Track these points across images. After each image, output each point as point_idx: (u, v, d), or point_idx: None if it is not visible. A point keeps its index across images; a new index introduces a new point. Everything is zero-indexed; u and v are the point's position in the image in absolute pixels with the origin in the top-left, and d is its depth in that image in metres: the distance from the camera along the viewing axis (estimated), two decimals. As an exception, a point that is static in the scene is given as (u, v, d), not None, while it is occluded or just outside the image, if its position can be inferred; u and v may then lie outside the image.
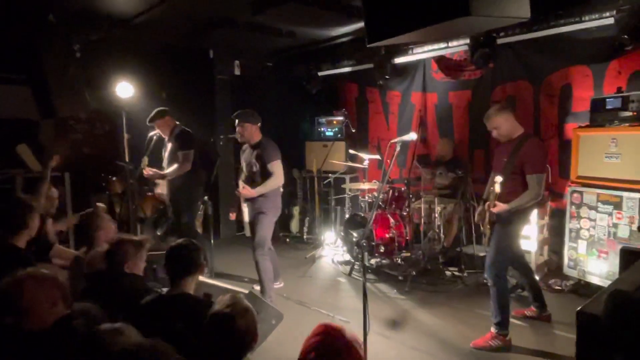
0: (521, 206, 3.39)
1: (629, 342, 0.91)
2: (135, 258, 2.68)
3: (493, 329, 3.50)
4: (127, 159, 6.27)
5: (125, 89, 5.65)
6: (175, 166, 4.82)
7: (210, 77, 6.95)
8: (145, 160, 5.07)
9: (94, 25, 5.10)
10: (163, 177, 4.96)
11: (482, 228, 3.75)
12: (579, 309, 1.10)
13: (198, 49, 6.61)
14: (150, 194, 7.08)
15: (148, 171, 4.94)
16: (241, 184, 4.20)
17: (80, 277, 2.79)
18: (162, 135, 5.06)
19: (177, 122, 5.12)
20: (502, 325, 3.48)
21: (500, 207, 3.42)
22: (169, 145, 5.02)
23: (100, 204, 4.12)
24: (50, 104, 5.24)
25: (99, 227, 3.10)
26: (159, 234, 7.03)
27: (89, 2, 4.58)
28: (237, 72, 6.99)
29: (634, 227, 3.97)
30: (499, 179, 3.32)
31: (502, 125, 3.54)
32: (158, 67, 6.55)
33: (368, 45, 2.18)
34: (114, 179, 7.11)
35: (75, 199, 6.25)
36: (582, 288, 4.52)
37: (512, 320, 3.89)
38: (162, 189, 5.25)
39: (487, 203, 3.53)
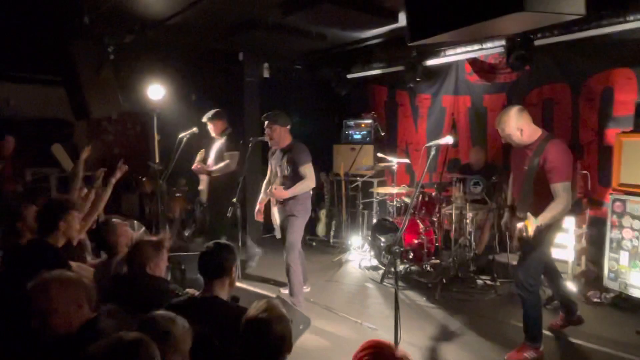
0: (554, 219, 3.11)
1: None
2: (157, 259, 2.65)
3: (527, 342, 3.35)
4: (157, 160, 6.37)
5: (156, 91, 5.72)
6: (222, 164, 5.07)
7: (240, 79, 6.96)
8: (201, 154, 5.36)
9: (127, 27, 5.17)
10: (209, 173, 5.21)
11: (511, 235, 3.61)
12: None
13: (228, 51, 6.64)
14: (178, 194, 7.18)
15: (197, 165, 5.25)
16: (274, 185, 4.18)
17: (106, 280, 2.79)
18: (213, 135, 5.31)
19: (228, 125, 5.39)
20: (536, 339, 3.32)
21: (534, 228, 3.00)
22: (217, 145, 5.23)
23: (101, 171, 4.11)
24: (84, 105, 5.35)
25: (117, 234, 3.08)
26: (186, 234, 7.11)
27: (122, 5, 4.63)
28: (265, 74, 6.99)
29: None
30: (532, 219, 2.97)
31: (524, 130, 3.20)
32: (188, 70, 6.62)
33: (409, 44, 2.11)
34: (144, 179, 7.22)
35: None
36: (623, 301, 4.29)
37: (545, 332, 3.74)
38: (203, 185, 5.46)
39: (519, 229, 3.07)
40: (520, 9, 1.47)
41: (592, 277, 4.77)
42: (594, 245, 4.78)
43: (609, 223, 4.38)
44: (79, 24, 4.76)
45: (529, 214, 3.01)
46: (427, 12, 1.85)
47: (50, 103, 6.55)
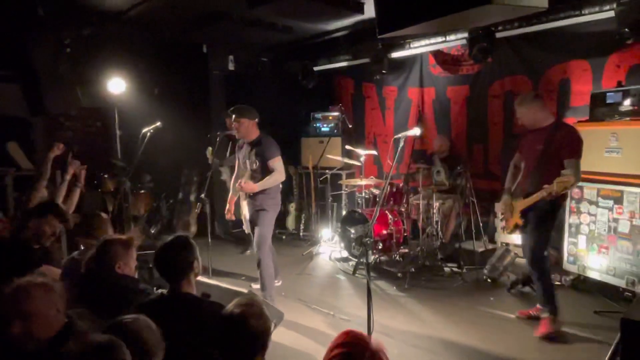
0: (566, 190, 3.30)
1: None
2: (126, 258, 2.59)
3: (550, 315, 3.54)
4: (119, 156, 6.18)
5: (117, 85, 5.54)
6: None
7: (204, 72, 6.84)
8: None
9: (84, 19, 4.97)
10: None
11: (501, 218, 3.79)
12: (622, 317, 1.05)
13: (191, 43, 6.50)
14: (143, 191, 7.00)
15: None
16: (242, 179, 4.13)
17: (75, 280, 2.70)
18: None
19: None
20: (554, 310, 3.55)
21: (550, 192, 3.22)
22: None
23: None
24: (40, 101, 5.13)
25: (101, 228, 3.00)
26: (152, 231, 6.96)
27: (80, -4, 4.47)
28: (231, 67, 6.89)
29: None
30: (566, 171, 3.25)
31: (537, 112, 3.54)
32: (150, 63, 6.44)
33: (379, 36, 2.12)
34: (106, 176, 6.99)
35: (67, 198, 6.10)
36: (582, 283, 4.51)
37: (509, 315, 3.91)
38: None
39: (547, 187, 3.25)
40: (488, 1, 1.52)
41: (552, 261, 4.96)
42: (554, 230, 4.96)
43: (567, 209, 4.57)
44: (34, 16, 4.54)
45: (565, 171, 3.25)
46: (396, 4, 1.87)
47: (4, 99, 6.22)
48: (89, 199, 7.27)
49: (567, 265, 4.62)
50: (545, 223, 3.54)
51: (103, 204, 7.28)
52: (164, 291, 2.30)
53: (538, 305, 3.83)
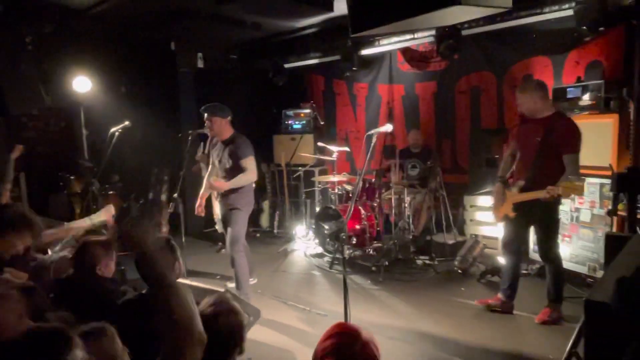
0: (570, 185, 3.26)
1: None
2: (106, 259, 2.56)
3: (556, 304, 3.64)
4: (86, 156, 6.02)
5: (82, 84, 5.41)
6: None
7: (173, 70, 6.73)
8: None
9: (47, 16, 4.80)
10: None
11: (496, 206, 3.75)
12: (586, 298, 1.11)
13: (159, 41, 6.38)
14: (112, 192, 6.84)
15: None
16: (214, 177, 4.10)
17: (45, 285, 2.63)
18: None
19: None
20: (562, 300, 3.66)
21: (553, 195, 3.18)
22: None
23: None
24: (1, 101, 4.93)
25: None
26: (123, 233, 6.81)
27: (41, -9, 4.32)
28: (200, 65, 6.81)
29: (604, 212, 4.11)
30: (579, 179, 3.15)
31: (537, 102, 3.47)
32: (117, 61, 6.29)
33: (352, 35, 2.16)
34: (72, 177, 6.80)
35: (32, 200, 5.92)
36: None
37: (476, 304, 4.02)
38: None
39: (546, 191, 3.21)
40: (457, 2, 1.58)
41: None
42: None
43: (532, 200, 4.74)
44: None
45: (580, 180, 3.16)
46: (368, 4, 1.92)
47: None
48: (54, 201, 7.08)
49: (533, 255, 4.79)
50: (554, 218, 3.58)
51: (69, 207, 7.08)
52: (144, 291, 2.28)
53: (498, 295, 3.92)
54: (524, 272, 4.78)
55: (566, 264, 4.44)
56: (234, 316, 1.83)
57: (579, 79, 4.47)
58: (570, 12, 4.29)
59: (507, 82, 5.40)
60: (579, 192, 3.12)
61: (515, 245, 3.80)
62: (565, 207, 4.44)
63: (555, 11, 4.43)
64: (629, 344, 0.94)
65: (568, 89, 4.42)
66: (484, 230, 5.39)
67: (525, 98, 3.53)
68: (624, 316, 0.94)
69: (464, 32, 5.05)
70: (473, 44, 5.54)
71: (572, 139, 3.36)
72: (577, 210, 4.36)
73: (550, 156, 3.38)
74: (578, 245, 4.36)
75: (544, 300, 4.07)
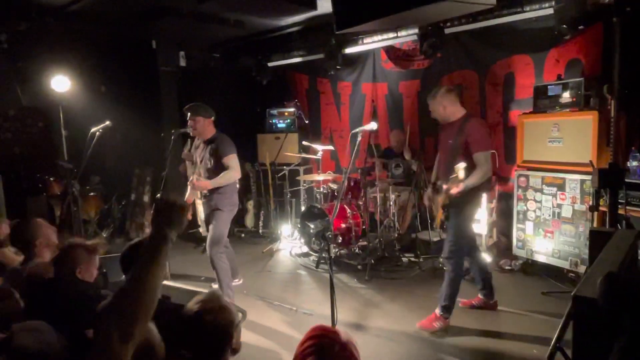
0: (475, 184, 3.41)
1: (630, 324, 0.94)
2: (88, 264, 2.51)
3: (438, 311, 3.60)
4: (65, 157, 5.89)
5: (61, 83, 5.28)
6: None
7: (154, 69, 6.61)
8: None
9: (21, 13, 4.68)
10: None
11: (432, 212, 3.83)
12: (574, 293, 1.12)
13: (139, 39, 6.27)
14: (92, 193, 6.71)
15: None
16: (194, 176, 4.04)
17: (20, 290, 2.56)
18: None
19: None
20: (449, 309, 3.60)
21: (458, 187, 3.38)
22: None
23: None
24: (-25, 101, 4.80)
25: (37, 235, 2.85)
26: (105, 235, 6.69)
27: (15, -12, 4.20)
28: (182, 63, 6.71)
29: (585, 207, 4.17)
30: (462, 164, 3.29)
31: (447, 107, 3.54)
32: (97, 59, 6.17)
33: (337, 32, 2.15)
34: (52, 179, 6.65)
35: (10, 203, 5.76)
36: (530, 267, 4.76)
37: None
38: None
39: (446, 186, 3.48)
40: (443, -1, 1.58)
41: (503, 247, 5.22)
42: (503, 217, 5.22)
43: (515, 197, 4.81)
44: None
45: (459, 165, 3.28)
46: (354, 1, 1.90)
47: None
48: (33, 203, 6.91)
49: (516, 251, 4.86)
50: (459, 217, 3.56)
51: (49, 209, 6.93)
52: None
53: (478, 295, 3.97)
54: (508, 267, 4.84)
55: (549, 260, 4.52)
56: (223, 313, 1.78)
57: (559, 77, 4.53)
58: (550, 11, 4.34)
59: (489, 80, 5.45)
60: (459, 180, 3.29)
61: (469, 243, 3.78)
62: (548, 204, 4.51)
63: (535, 10, 4.46)
64: (616, 339, 0.95)
65: (549, 87, 4.48)
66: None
67: (435, 104, 3.61)
68: (611, 311, 0.95)
69: (447, 31, 5.07)
70: (456, 43, 5.57)
71: (479, 138, 3.44)
72: (559, 206, 4.42)
73: (459, 156, 3.46)
74: (560, 240, 4.42)
75: (528, 296, 4.13)
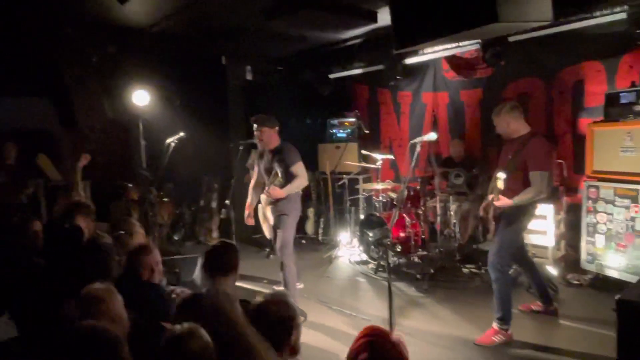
0: (524, 202, 3.43)
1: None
2: (150, 263, 2.73)
3: (495, 324, 3.55)
4: (144, 166, 6.40)
5: (141, 97, 5.76)
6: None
7: (223, 83, 7.04)
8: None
9: (110, 36, 5.21)
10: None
11: (487, 223, 3.79)
12: (618, 297, 1.14)
13: (211, 55, 6.71)
14: (166, 199, 7.22)
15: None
16: (267, 186, 4.25)
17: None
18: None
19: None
20: (504, 320, 3.54)
21: (504, 201, 3.43)
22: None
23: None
24: (69, 115, 5.38)
25: (132, 233, 3.17)
26: (176, 238, 7.16)
27: (104, 15, 4.68)
28: (249, 77, 7.08)
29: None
30: (502, 175, 3.35)
31: (510, 123, 3.57)
32: (172, 75, 6.66)
33: (396, 52, 2.25)
34: (130, 185, 7.23)
35: (95, 207, 6.34)
36: (601, 282, 4.53)
37: (520, 313, 3.97)
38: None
39: (492, 197, 3.52)
40: (495, 20, 1.64)
41: (571, 260, 5.01)
42: (572, 230, 5.01)
43: (584, 208, 4.61)
44: (63, 35, 4.78)
45: (499, 175, 3.34)
46: (410, 23, 2.00)
47: (34, 114, 6.50)
48: (115, 208, 7.55)
49: (585, 265, 4.65)
50: (506, 228, 3.57)
51: (128, 213, 7.53)
52: (204, 290, 2.47)
53: (538, 302, 3.95)
54: (576, 282, 4.65)
55: (622, 275, 4.29)
56: (286, 307, 1.89)
57: (633, 84, 4.32)
58: (623, 16, 4.16)
59: (556, 88, 5.28)
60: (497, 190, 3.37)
61: (516, 254, 3.80)
62: (620, 216, 4.29)
63: (607, 15, 4.30)
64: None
65: (621, 94, 4.29)
66: (533, 239, 5.25)
67: (499, 121, 3.63)
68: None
69: (511, 39, 4.98)
70: (520, 50, 5.44)
71: (538, 156, 3.41)
72: (633, 219, 4.19)
73: (517, 172, 3.46)
74: (634, 255, 4.19)
75: (597, 312, 3.96)
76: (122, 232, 3.17)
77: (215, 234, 7.04)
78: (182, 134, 5.18)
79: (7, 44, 5.15)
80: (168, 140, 5.22)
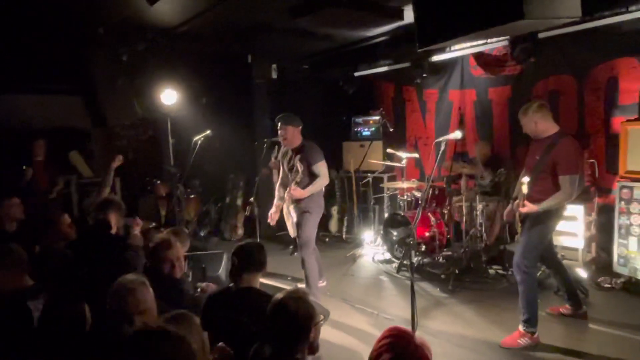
0: (552, 207, 3.35)
1: None
2: (172, 257, 2.80)
3: (521, 327, 3.48)
4: (171, 163, 6.54)
5: (170, 96, 5.89)
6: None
7: (248, 81, 7.11)
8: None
9: (140, 35, 5.32)
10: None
11: (515, 225, 3.72)
12: None
13: (236, 54, 6.78)
14: (193, 196, 7.35)
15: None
16: (290, 186, 4.28)
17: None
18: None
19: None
20: (530, 322, 3.45)
21: (530, 207, 3.36)
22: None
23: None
24: (101, 113, 5.54)
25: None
26: (202, 234, 7.29)
27: (135, 15, 4.79)
28: (274, 75, 7.12)
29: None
30: (526, 179, 3.26)
31: (538, 123, 3.47)
32: (199, 74, 6.77)
33: (419, 50, 2.23)
34: (159, 182, 7.40)
35: (124, 202, 6.51)
36: (633, 286, 4.38)
37: (548, 316, 3.89)
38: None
39: (516, 202, 3.46)
40: (521, 17, 1.60)
41: (602, 263, 4.87)
42: (603, 232, 4.86)
43: (617, 210, 4.47)
44: (95, 35, 4.92)
45: (523, 179, 3.28)
46: (434, 20, 1.97)
47: (66, 112, 6.71)
48: (143, 204, 7.73)
49: (617, 268, 4.50)
50: (532, 229, 3.49)
51: (156, 209, 7.71)
52: (232, 285, 2.53)
53: (567, 305, 3.85)
54: (607, 285, 4.51)
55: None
56: (304, 304, 1.90)
57: (670, 81, 4.15)
58: (659, 10, 4.01)
59: (589, 85, 5.12)
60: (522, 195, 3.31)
61: (543, 255, 3.72)
62: (656, 218, 4.14)
63: (643, 9, 4.15)
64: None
65: (658, 92, 4.13)
66: (563, 241, 5.12)
67: (526, 120, 3.52)
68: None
69: (541, 35, 4.87)
70: (551, 46, 5.30)
71: (568, 160, 3.31)
72: (669, 221, 4.04)
73: (545, 174, 3.36)
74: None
75: (630, 317, 3.85)
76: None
77: (240, 231, 7.13)
78: (209, 132, 5.27)
79: (40, 44, 5.33)
80: (195, 138, 5.32)
